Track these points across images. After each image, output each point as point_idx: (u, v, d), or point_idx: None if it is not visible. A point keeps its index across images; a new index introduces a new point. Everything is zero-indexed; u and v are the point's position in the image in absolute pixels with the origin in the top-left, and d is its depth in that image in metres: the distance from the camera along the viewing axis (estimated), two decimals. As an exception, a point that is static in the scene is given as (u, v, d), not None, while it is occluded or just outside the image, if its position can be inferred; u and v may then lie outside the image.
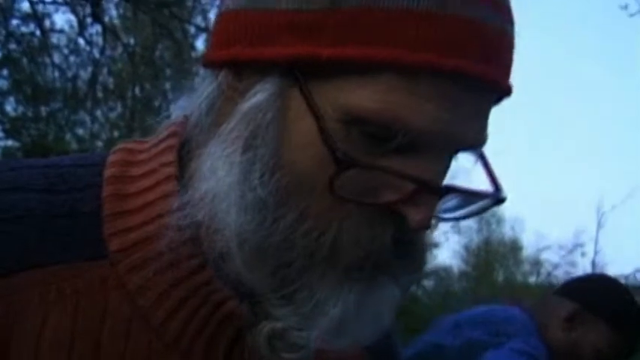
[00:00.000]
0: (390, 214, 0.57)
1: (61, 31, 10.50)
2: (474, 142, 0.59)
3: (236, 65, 0.61)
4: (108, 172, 0.63)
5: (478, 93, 0.57)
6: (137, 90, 13.62)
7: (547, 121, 46.82)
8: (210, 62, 0.64)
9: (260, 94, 0.58)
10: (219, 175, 0.58)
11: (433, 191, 0.57)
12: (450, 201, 0.60)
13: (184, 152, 0.64)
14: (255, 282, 0.58)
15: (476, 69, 0.55)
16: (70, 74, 11.09)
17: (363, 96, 0.55)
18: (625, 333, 1.81)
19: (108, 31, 9.19)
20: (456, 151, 0.60)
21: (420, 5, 0.54)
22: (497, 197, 0.59)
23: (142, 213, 0.61)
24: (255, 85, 0.59)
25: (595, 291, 1.86)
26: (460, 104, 0.56)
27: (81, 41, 10.09)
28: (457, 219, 0.60)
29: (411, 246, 0.60)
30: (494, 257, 29.12)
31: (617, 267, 27.72)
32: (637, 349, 1.85)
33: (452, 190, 0.58)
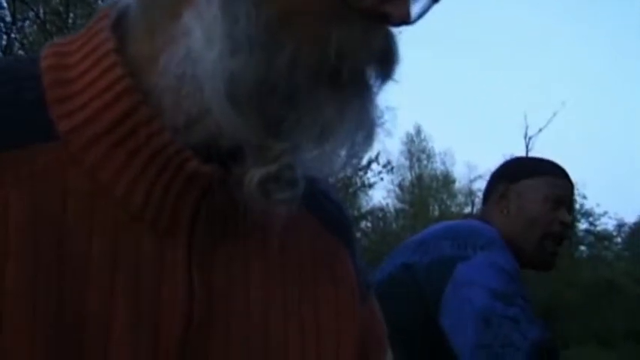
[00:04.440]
0: (373, 21, 0.58)
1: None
2: None
3: None
4: (45, 63, 0.62)
5: None
6: None
7: (464, 39, 47.41)
8: None
9: None
10: (198, 26, 0.56)
11: None
12: None
13: (122, 31, 0.63)
14: (249, 130, 0.57)
15: None
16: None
17: None
18: (549, 168, 1.87)
19: (17, 1, 8.86)
20: None
21: None
22: None
23: (87, 91, 0.60)
24: None
25: (509, 166, 1.93)
26: None
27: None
28: (415, 20, 0.60)
29: (390, 60, 0.61)
30: (428, 192, 29.68)
31: None
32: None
33: None
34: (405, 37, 0.62)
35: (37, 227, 0.56)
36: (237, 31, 0.56)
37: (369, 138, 0.60)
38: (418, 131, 31.17)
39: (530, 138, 22.39)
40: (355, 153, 0.60)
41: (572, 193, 1.88)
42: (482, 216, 1.89)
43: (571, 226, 1.89)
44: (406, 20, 0.58)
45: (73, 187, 0.58)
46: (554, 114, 23.67)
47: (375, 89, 0.60)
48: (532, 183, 1.84)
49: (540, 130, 23.16)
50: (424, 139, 30.82)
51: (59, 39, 0.66)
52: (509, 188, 1.85)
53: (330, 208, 0.76)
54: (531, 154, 22.95)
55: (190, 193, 0.60)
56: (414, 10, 0.60)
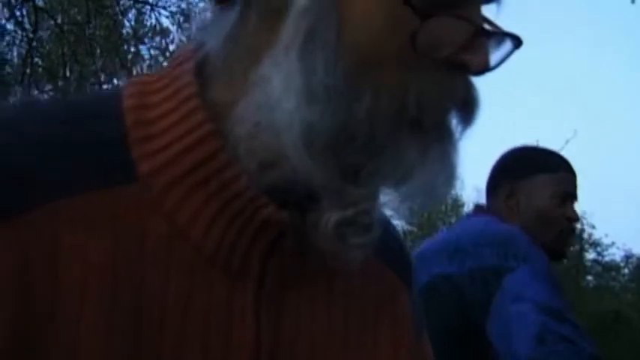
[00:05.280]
0: (452, 69, 0.58)
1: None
2: None
3: None
4: (127, 103, 0.62)
5: None
6: (69, 70, 13.34)
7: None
8: None
9: None
10: (276, 76, 0.57)
11: (488, 33, 0.59)
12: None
13: (203, 76, 0.64)
14: (325, 177, 0.57)
15: None
16: (-2, 58, 10.76)
17: None
18: (554, 164, 1.90)
19: (38, 10, 8.92)
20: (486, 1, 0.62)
21: None
22: (517, 40, 0.61)
23: (168, 134, 0.60)
24: None
25: (515, 160, 1.94)
26: None
27: (9, 26, 9.79)
28: (494, 67, 0.60)
29: (470, 107, 0.61)
30: (437, 216, 29.50)
31: None
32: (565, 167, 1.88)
33: (495, 33, 0.61)
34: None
35: (116, 270, 0.57)
36: (314, 82, 0.56)
37: (449, 181, 0.60)
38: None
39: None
40: (436, 196, 0.60)
41: (576, 185, 1.88)
42: (493, 210, 1.89)
43: (577, 219, 1.90)
44: (485, 68, 0.59)
45: (151, 230, 0.59)
46: (567, 141, 23.01)
47: (456, 134, 0.61)
48: (539, 180, 1.86)
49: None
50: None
51: (141, 76, 0.66)
52: (517, 186, 1.87)
53: (393, 244, 0.76)
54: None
55: (264, 238, 0.61)
56: (495, 57, 0.60)
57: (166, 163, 0.59)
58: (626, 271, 27.46)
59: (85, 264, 0.55)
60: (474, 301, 1.64)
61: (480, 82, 0.62)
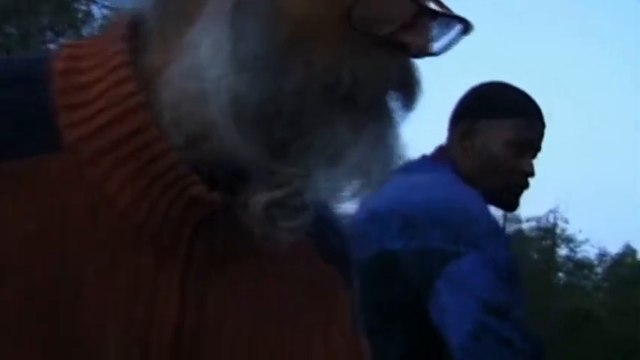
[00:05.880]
0: (390, 48, 0.58)
1: None
2: None
3: None
4: (56, 66, 0.61)
5: None
6: (12, 27, 12.78)
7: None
8: None
9: None
10: (205, 41, 0.57)
11: (431, 13, 0.59)
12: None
13: (139, 39, 0.63)
14: (252, 151, 0.56)
15: None
16: None
17: None
18: (518, 107, 1.80)
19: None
20: None
21: None
22: (467, 24, 0.61)
23: (96, 102, 0.60)
24: None
25: (477, 97, 1.83)
26: None
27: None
28: (437, 53, 0.61)
29: (411, 89, 0.61)
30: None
31: (530, 208, 26.48)
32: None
33: (442, 14, 0.60)
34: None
35: (37, 243, 0.57)
36: (244, 50, 0.56)
37: (385, 165, 0.60)
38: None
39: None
40: (371, 182, 0.60)
41: (541, 135, 1.82)
42: (448, 152, 1.80)
43: (533, 174, 1.82)
44: (426, 51, 0.59)
45: (76, 199, 0.59)
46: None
47: (396, 117, 0.61)
48: (497, 124, 1.76)
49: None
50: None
51: (75, 39, 0.70)
52: (473, 127, 1.76)
53: (333, 238, 0.74)
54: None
55: (193, 214, 0.61)
56: (441, 42, 0.61)
57: (94, 132, 0.59)
58: (599, 270, 27.63)
59: (4, 236, 0.56)
60: (417, 282, 1.59)
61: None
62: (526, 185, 1.78)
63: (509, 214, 26.39)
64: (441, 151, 1.80)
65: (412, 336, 1.62)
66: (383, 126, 0.59)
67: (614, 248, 31.43)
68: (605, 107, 44.19)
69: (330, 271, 0.73)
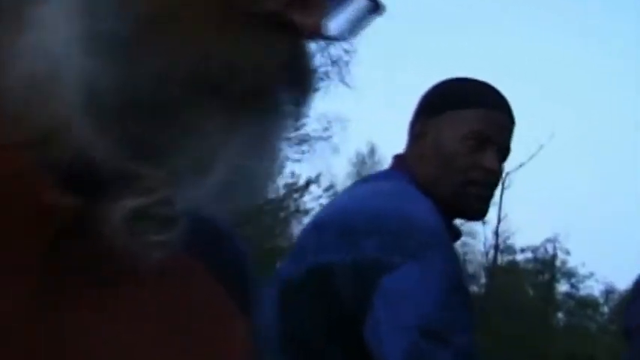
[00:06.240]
0: (275, 30, 0.55)
1: None
2: None
3: None
4: None
5: None
6: None
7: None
8: None
9: None
10: (53, 17, 0.52)
11: None
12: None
13: None
14: (107, 148, 0.53)
15: None
16: None
17: None
18: (474, 98, 1.71)
19: None
20: None
21: None
22: (375, 3, 0.58)
23: None
24: None
25: (432, 94, 1.76)
26: None
27: None
28: (339, 37, 0.59)
29: (301, 79, 0.58)
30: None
31: (525, 237, 25.95)
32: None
33: None
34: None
35: None
36: (97, 28, 0.52)
37: (267, 167, 0.57)
38: (372, 151, 28.54)
39: (507, 173, 19.01)
40: (252, 185, 0.57)
41: (507, 129, 1.71)
42: (405, 161, 1.73)
43: (499, 171, 1.69)
44: (319, 33, 0.56)
45: None
46: (541, 146, 20.69)
47: (281, 113, 0.57)
48: (451, 117, 1.68)
49: (521, 165, 20.08)
50: (378, 162, 26.49)
51: None
52: (427, 124, 1.70)
53: (227, 255, 0.70)
54: (507, 193, 20.02)
55: (45, 228, 0.56)
56: (339, 22, 0.59)
57: None
58: (605, 309, 25.73)
59: None
60: (353, 296, 1.52)
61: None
62: (489, 185, 1.68)
63: (501, 245, 25.10)
64: (398, 160, 1.74)
65: (354, 357, 1.54)
66: (264, 124, 0.55)
67: (622, 284, 29.28)
68: (617, 116, 41.66)
69: (222, 293, 0.68)
